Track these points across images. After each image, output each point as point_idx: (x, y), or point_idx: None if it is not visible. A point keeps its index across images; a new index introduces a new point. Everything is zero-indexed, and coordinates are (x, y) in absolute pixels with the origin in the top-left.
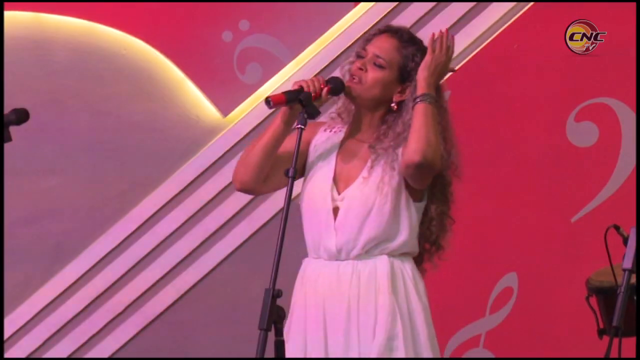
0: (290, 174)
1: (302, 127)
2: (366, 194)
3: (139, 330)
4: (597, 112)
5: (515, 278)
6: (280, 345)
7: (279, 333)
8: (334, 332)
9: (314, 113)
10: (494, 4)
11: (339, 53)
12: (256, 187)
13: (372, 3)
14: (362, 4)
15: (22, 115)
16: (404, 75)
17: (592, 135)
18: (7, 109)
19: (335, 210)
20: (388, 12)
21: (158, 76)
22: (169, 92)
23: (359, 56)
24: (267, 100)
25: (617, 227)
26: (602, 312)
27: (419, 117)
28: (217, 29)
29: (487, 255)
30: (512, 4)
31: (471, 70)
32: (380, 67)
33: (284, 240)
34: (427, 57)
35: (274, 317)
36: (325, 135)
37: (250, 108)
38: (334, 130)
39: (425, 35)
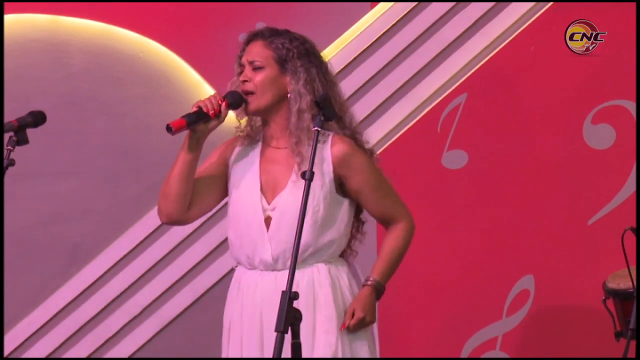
0: (307, 176)
1: (319, 129)
2: (298, 199)
3: (156, 333)
4: (614, 115)
5: (532, 280)
6: (297, 347)
7: (296, 335)
8: (270, 343)
9: (331, 115)
10: (513, 4)
11: (357, 54)
12: (182, 217)
13: (391, 3)
14: (380, 4)
15: (39, 118)
16: (284, 65)
17: (609, 138)
18: (24, 112)
19: (267, 221)
20: (407, 13)
21: (175, 79)
22: (186, 94)
23: (239, 73)
24: (168, 128)
25: (634, 230)
26: (618, 315)
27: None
28: (234, 31)
29: (503, 258)
30: (531, 4)
31: (489, 71)
32: (260, 68)
33: (300, 243)
34: None
35: (291, 319)
36: (242, 150)
37: None
38: (248, 142)
39: (443, 36)
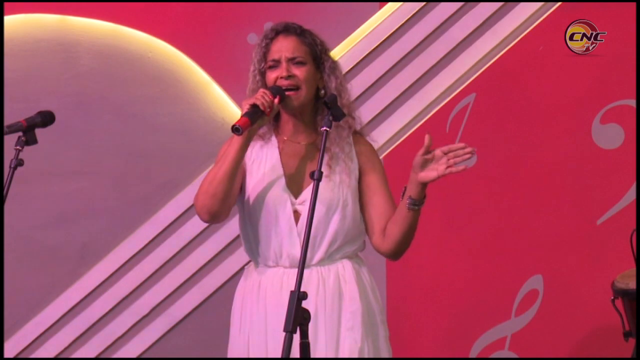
0: (316, 176)
1: (328, 129)
2: (328, 195)
3: (165, 333)
4: (622, 114)
5: (540, 280)
6: (305, 347)
7: (305, 335)
8: (295, 343)
9: (339, 116)
10: (522, 4)
11: (366, 54)
12: (225, 214)
13: (400, 3)
14: (388, 4)
15: (47, 118)
16: (318, 62)
17: (617, 138)
18: (33, 112)
19: (295, 215)
20: (415, 13)
21: (183, 79)
22: (194, 94)
23: (270, 67)
24: (237, 128)
25: None
26: (627, 315)
27: (410, 221)
28: (243, 31)
29: (512, 258)
30: (539, 4)
31: (497, 71)
32: (302, 63)
33: (308, 243)
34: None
35: (300, 319)
36: (257, 147)
37: None
38: (260, 142)
39: (452, 36)
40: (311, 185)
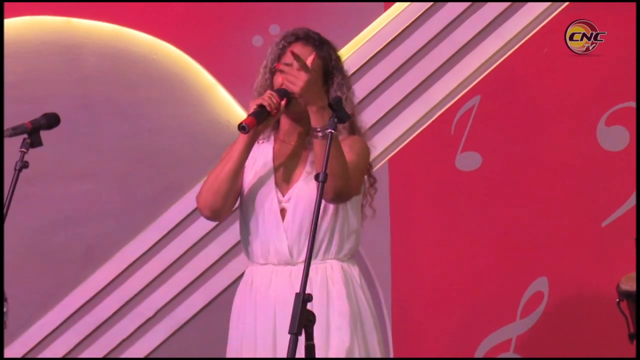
0: (321, 178)
1: (333, 131)
2: (312, 190)
3: (170, 335)
4: (627, 116)
5: (545, 282)
6: (310, 348)
7: (309, 337)
8: (283, 344)
9: (344, 117)
10: (528, 4)
11: (371, 55)
12: (228, 213)
13: (406, 4)
14: (395, 5)
15: (52, 120)
16: (328, 76)
17: (622, 140)
18: (38, 114)
19: (282, 213)
20: (422, 13)
21: (189, 81)
22: (199, 97)
23: (281, 70)
24: (243, 127)
25: None
26: (632, 317)
27: (316, 150)
28: (248, 33)
29: (517, 260)
30: (546, 4)
31: (502, 73)
32: None
33: (314, 245)
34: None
35: (304, 321)
36: (255, 145)
37: None
38: (261, 141)
39: (457, 38)
40: (297, 183)
